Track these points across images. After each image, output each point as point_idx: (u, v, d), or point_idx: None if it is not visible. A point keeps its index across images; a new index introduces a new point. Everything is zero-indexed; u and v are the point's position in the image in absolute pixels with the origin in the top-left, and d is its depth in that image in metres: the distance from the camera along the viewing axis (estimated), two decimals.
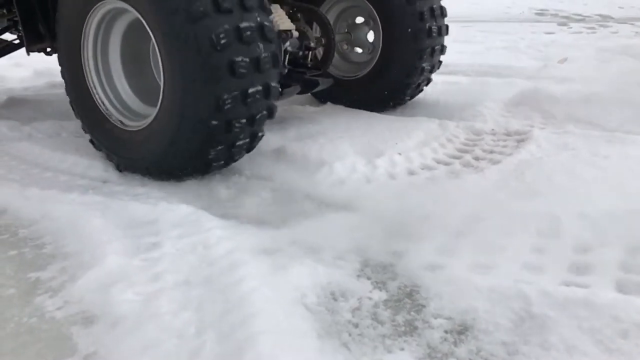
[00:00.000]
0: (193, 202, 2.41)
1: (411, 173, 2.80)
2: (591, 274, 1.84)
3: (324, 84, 3.41)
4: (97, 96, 2.83)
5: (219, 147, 2.49)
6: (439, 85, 4.66)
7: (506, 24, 9.02)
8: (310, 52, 3.39)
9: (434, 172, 2.79)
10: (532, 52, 6.40)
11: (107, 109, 2.83)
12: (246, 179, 2.75)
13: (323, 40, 3.46)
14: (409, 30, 3.59)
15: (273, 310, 1.61)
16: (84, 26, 2.73)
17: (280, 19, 2.91)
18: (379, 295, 1.80)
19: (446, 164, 2.93)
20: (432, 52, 3.74)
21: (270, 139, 3.12)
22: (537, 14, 10.80)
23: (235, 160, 2.74)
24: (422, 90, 4.06)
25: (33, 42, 3.27)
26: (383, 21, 3.66)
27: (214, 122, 2.37)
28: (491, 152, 3.05)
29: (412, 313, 1.71)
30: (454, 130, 3.34)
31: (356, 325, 1.65)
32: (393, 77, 3.73)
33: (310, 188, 2.62)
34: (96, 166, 2.82)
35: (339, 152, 2.90)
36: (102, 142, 2.84)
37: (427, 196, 2.49)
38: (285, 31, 2.94)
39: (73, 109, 2.99)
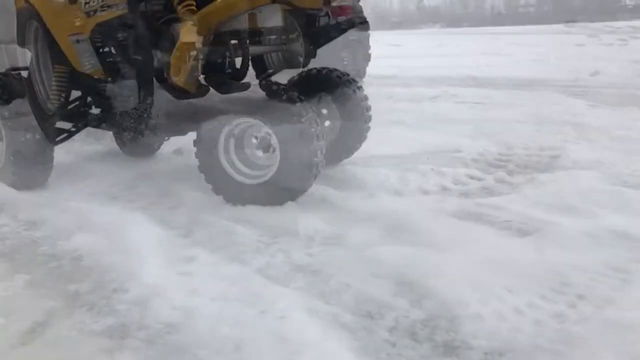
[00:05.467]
0: (227, 216, 2.42)
1: (444, 188, 2.78)
2: (633, 294, 1.79)
3: (237, 88, 3.79)
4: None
5: None
6: (469, 98, 4.64)
7: (535, 36, 8.93)
8: (228, 61, 3.71)
9: (467, 187, 2.77)
10: (563, 65, 6.32)
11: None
12: None
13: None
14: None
15: (311, 328, 1.61)
16: (25, 36, 3.26)
17: (186, 33, 3.27)
18: (415, 314, 1.78)
19: (479, 179, 2.89)
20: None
21: None
22: (565, 25, 10.68)
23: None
24: None
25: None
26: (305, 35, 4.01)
27: None
28: (525, 167, 3.01)
29: (450, 333, 1.68)
30: (486, 145, 3.31)
31: (394, 345, 1.63)
32: None
33: (342, 201, 2.61)
34: (134, 179, 2.87)
35: (371, 166, 2.90)
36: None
37: (460, 212, 2.46)
38: (188, 43, 3.30)
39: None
